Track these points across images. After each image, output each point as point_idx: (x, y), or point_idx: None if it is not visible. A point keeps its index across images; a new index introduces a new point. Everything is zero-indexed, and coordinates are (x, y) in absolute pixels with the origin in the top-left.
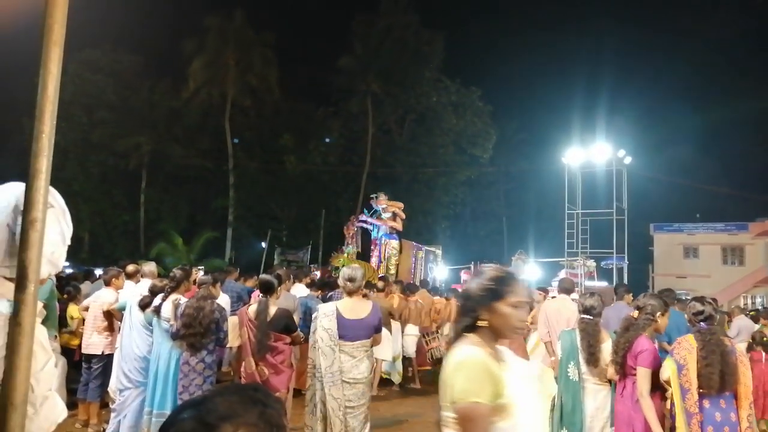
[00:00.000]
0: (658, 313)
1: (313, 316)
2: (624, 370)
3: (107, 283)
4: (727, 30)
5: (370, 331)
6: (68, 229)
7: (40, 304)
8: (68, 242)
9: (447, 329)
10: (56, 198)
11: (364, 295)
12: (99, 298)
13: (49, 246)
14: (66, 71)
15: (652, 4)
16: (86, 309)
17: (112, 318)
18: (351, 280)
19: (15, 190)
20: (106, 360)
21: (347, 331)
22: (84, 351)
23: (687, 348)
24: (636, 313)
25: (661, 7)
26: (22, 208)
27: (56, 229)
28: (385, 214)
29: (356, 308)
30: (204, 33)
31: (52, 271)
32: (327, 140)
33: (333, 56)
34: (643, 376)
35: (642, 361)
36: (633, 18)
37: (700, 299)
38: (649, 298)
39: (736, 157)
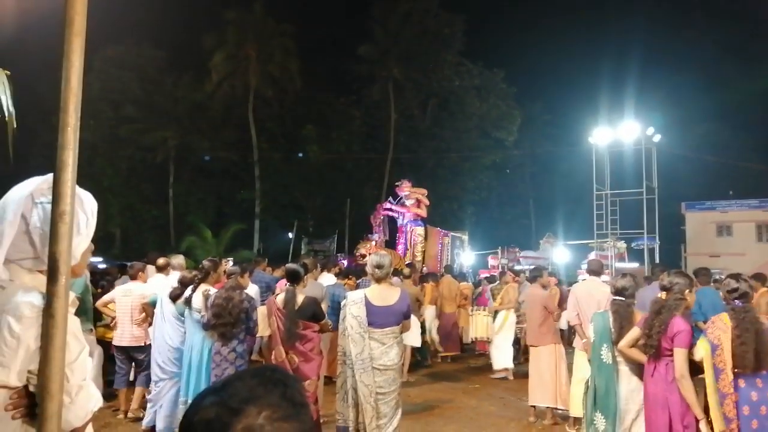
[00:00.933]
0: (686, 291)
1: (342, 303)
2: (658, 351)
3: (133, 277)
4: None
5: (399, 317)
6: (85, 218)
7: (72, 296)
8: (87, 232)
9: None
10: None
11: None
12: (131, 292)
13: None
14: (91, 68)
15: None
16: (105, 305)
17: (148, 309)
18: (379, 266)
19: (32, 181)
20: (149, 350)
21: (376, 317)
22: (123, 344)
23: (721, 327)
24: (664, 294)
25: None
26: (36, 198)
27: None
28: (409, 200)
29: (384, 295)
30: (224, 26)
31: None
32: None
33: (353, 44)
34: (682, 357)
35: (680, 342)
36: None
37: (735, 276)
38: (675, 276)
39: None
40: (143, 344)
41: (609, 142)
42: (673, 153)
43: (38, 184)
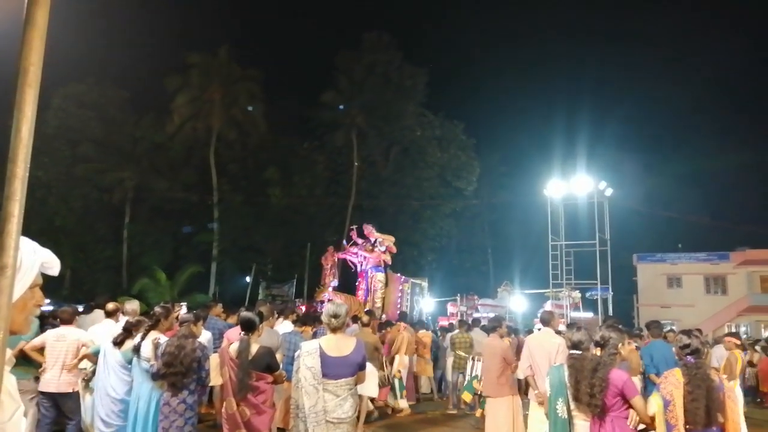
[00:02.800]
0: (620, 345)
1: (296, 354)
2: (603, 409)
3: (67, 322)
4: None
5: (354, 368)
6: (25, 259)
7: (9, 352)
8: (21, 283)
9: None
10: None
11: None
12: (65, 337)
13: None
14: (50, 105)
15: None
16: (35, 349)
17: (92, 359)
18: (335, 316)
19: None
20: (78, 397)
21: (331, 369)
22: (50, 390)
23: (674, 383)
24: (598, 350)
25: (642, 40)
26: None
27: None
28: (380, 246)
29: (340, 345)
30: (188, 69)
31: None
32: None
33: (317, 91)
34: (641, 402)
35: (631, 392)
36: (614, 51)
37: (687, 332)
38: (608, 330)
39: (716, 188)
40: (71, 390)
41: (563, 195)
42: (625, 207)
43: None
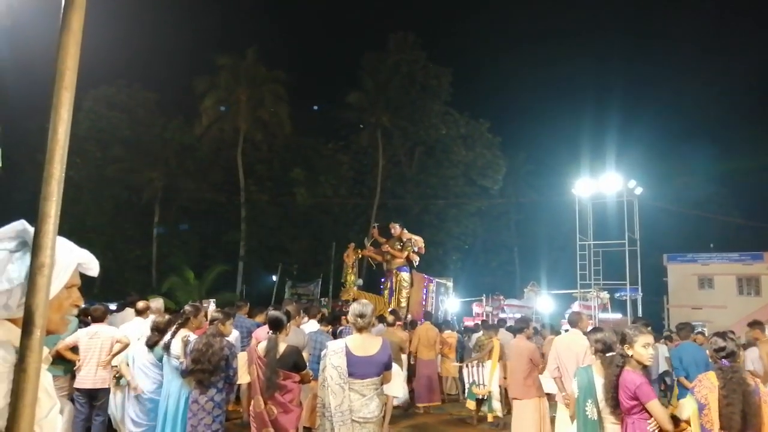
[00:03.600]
0: (626, 345)
1: (322, 353)
2: (621, 410)
3: (99, 320)
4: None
5: (380, 368)
6: (60, 258)
7: (45, 350)
8: (56, 284)
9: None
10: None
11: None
12: (99, 334)
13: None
14: (81, 107)
15: (663, 34)
16: (68, 348)
17: (116, 352)
18: (361, 316)
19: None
20: (108, 394)
21: (357, 368)
22: (86, 386)
23: (708, 386)
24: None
25: (671, 37)
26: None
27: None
28: (413, 246)
29: (366, 345)
30: (216, 71)
31: (2, 314)
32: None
33: (343, 92)
34: (658, 408)
35: (646, 396)
36: (643, 48)
37: (722, 335)
38: (630, 329)
39: (748, 186)
40: (107, 386)
41: (592, 194)
42: (655, 205)
43: (15, 225)
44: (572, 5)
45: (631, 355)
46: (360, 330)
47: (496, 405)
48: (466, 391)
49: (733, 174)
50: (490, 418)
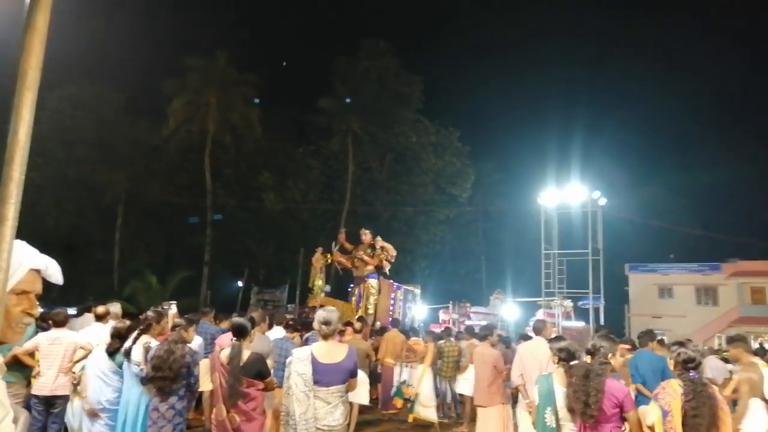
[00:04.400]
0: (610, 354)
1: (287, 360)
2: (598, 419)
3: (61, 324)
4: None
5: (346, 375)
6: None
7: (0, 359)
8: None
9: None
10: None
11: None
12: (60, 340)
13: None
14: (44, 106)
15: (630, 47)
16: (27, 353)
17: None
18: (326, 323)
19: None
20: (66, 401)
21: (322, 376)
22: (44, 393)
23: (671, 394)
24: (589, 358)
25: (637, 50)
26: None
27: None
28: (386, 254)
29: (332, 352)
30: (185, 72)
31: None
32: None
33: (314, 96)
34: (636, 419)
35: (631, 405)
36: (609, 60)
37: (682, 343)
38: (600, 340)
39: (708, 199)
40: (66, 393)
41: (557, 203)
42: (618, 216)
43: None
44: (541, 17)
45: (611, 365)
46: (325, 337)
47: (418, 408)
48: (394, 389)
49: (694, 186)
50: (410, 419)
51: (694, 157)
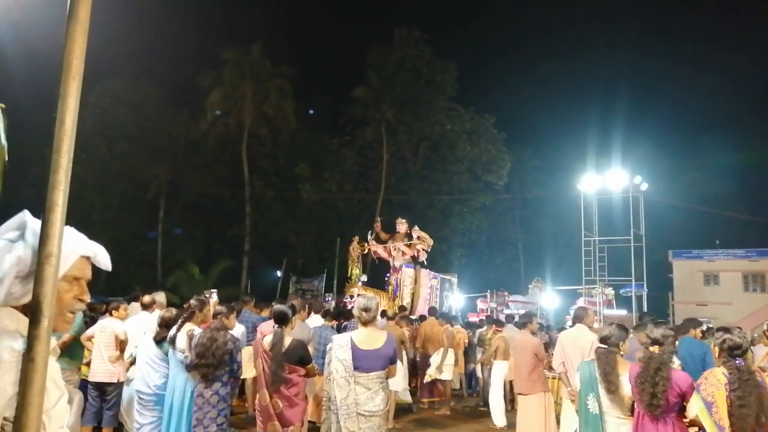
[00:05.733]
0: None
1: (328, 347)
2: (665, 409)
3: (110, 313)
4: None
5: (386, 362)
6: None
7: (53, 340)
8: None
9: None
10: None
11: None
12: (106, 328)
13: None
14: (86, 102)
15: (672, 28)
16: (88, 339)
17: (124, 347)
18: (366, 309)
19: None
20: (120, 388)
21: (362, 362)
22: (97, 380)
23: (714, 384)
24: (656, 348)
25: (680, 31)
26: (16, 228)
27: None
28: (422, 245)
29: (371, 339)
30: (221, 66)
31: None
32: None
33: (348, 86)
34: (696, 403)
35: (692, 395)
36: (651, 43)
37: (728, 329)
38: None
39: (755, 183)
40: (116, 381)
41: (597, 190)
42: (660, 202)
43: (20, 216)
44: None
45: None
46: (365, 324)
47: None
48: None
49: (741, 170)
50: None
51: (740, 140)
